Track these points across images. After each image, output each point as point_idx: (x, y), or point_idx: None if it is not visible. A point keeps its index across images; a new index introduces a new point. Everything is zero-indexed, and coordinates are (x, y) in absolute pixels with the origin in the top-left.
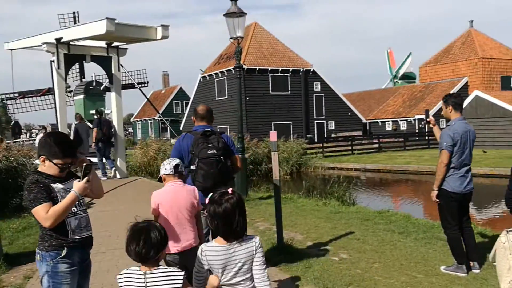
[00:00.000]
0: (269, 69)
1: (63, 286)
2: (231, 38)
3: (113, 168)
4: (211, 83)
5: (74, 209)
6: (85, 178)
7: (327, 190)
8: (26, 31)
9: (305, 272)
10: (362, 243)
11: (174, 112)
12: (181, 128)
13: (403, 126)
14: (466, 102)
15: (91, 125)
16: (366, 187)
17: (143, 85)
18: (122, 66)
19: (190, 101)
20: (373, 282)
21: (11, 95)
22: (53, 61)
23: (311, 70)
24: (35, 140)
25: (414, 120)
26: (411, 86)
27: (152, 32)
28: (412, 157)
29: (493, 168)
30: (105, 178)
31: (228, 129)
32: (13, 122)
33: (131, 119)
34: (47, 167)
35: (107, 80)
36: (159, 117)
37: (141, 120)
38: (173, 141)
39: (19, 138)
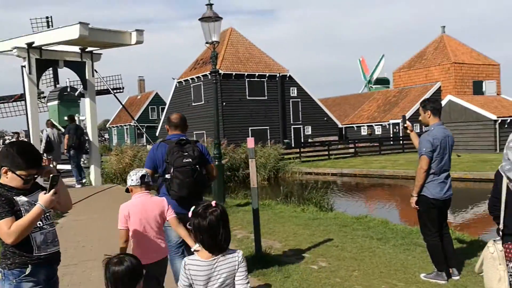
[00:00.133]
0: (246, 74)
1: None
2: (206, 42)
3: (83, 180)
4: (187, 89)
5: (39, 224)
6: (52, 190)
7: (305, 196)
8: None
9: (284, 282)
10: (341, 250)
11: (150, 118)
12: (157, 134)
13: (378, 130)
14: None
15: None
16: (343, 192)
17: (118, 90)
18: (97, 72)
19: (166, 107)
20: None
21: None
22: (24, 66)
23: (288, 75)
24: None
25: (389, 124)
26: (385, 91)
27: (127, 37)
28: (387, 162)
29: (467, 172)
30: (79, 186)
31: (205, 135)
32: None
33: (107, 125)
34: (10, 179)
35: (82, 86)
36: (135, 123)
37: (116, 126)
38: (149, 147)
39: None
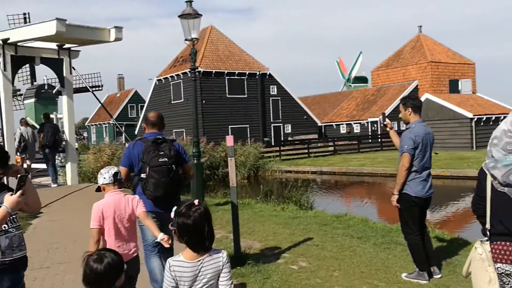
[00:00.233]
0: (226, 72)
1: None
2: (186, 39)
3: (54, 181)
4: (167, 86)
5: (5, 227)
6: (19, 191)
7: (285, 195)
8: None
9: (264, 283)
10: (321, 250)
11: (129, 116)
12: (136, 132)
13: (356, 129)
14: None
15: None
16: (323, 190)
17: (97, 88)
18: (74, 69)
19: (146, 105)
20: None
21: None
22: None
23: (268, 73)
24: None
25: (367, 123)
26: (364, 89)
27: (105, 34)
28: (366, 159)
29: (444, 169)
30: (55, 185)
31: (184, 133)
32: None
33: (86, 124)
34: None
35: (59, 83)
36: (113, 121)
37: (95, 125)
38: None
39: None
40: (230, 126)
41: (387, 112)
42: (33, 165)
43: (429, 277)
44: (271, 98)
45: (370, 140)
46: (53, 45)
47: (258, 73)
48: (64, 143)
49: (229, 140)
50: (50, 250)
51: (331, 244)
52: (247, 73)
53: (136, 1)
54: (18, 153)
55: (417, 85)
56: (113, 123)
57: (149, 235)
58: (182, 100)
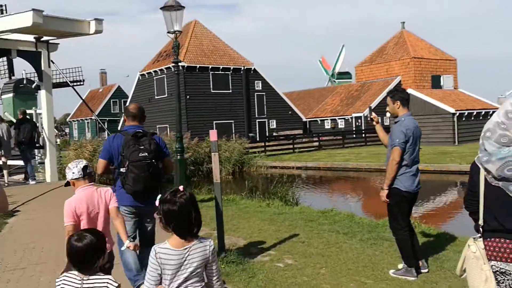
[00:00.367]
0: (210, 67)
1: None
2: (168, 32)
3: (33, 178)
4: (150, 81)
5: None
6: None
7: (270, 190)
8: None
9: (249, 283)
10: (307, 246)
11: (112, 112)
12: (119, 128)
13: (341, 124)
14: None
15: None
16: (308, 185)
17: (78, 83)
18: (53, 63)
19: (129, 100)
20: None
21: None
22: None
23: (252, 68)
24: None
25: (351, 118)
26: (348, 85)
27: (85, 26)
28: (351, 155)
29: (428, 164)
30: (33, 182)
31: (168, 129)
32: None
33: (67, 119)
34: None
35: (37, 77)
36: (95, 117)
37: (77, 120)
38: None
39: None
40: (214, 122)
41: (368, 110)
42: (10, 162)
43: (417, 273)
44: (256, 93)
45: (354, 136)
46: (30, 38)
47: (242, 68)
48: (41, 139)
49: (213, 134)
50: (27, 250)
51: (317, 241)
52: (231, 68)
53: None
54: None
55: (400, 81)
56: (95, 119)
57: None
58: (166, 95)
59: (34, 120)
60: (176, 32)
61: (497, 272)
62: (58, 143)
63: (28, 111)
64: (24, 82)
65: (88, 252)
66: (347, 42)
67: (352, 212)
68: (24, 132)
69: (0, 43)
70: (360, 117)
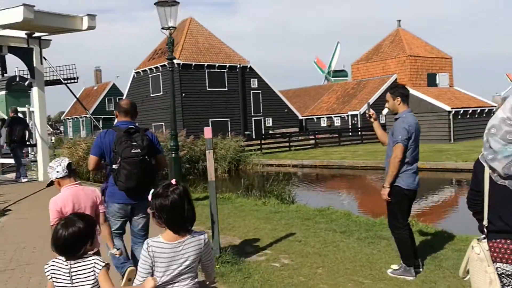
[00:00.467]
0: (206, 65)
1: None
2: (162, 28)
3: (24, 175)
4: (146, 79)
5: None
6: None
7: (266, 188)
8: None
9: (244, 283)
10: (304, 246)
11: (107, 109)
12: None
13: (337, 122)
14: None
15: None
16: (304, 183)
17: (72, 81)
18: (46, 59)
19: (124, 98)
20: None
21: None
22: None
23: (248, 66)
24: None
25: (347, 116)
26: (344, 83)
27: (77, 22)
28: (347, 152)
29: (424, 162)
30: (25, 180)
31: (164, 127)
32: None
33: (62, 117)
34: None
35: (29, 74)
36: (89, 115)
37: (72, 118)
38: None
39: None
40: (210, 120)
41: (366, 106)
42: (1, 160)
43: (415, 273)
44: (252, 91)
45: (350, 133)
46: (22, 34)
47: (238, 66)
48: (32, 137)
49: (207, 132)
50: (17, 250)
51: (314, 240)
52: (227, 66)
53: None
54: None
55: (396, 79)
56: (89, 117)
57: (115, 224)
58: (161, 93)
59: (27, 118)
60: (171, 28)
61: (503, 275)
62: (53, 141)
63: (21, 109)
64: (17, 79)
65: (72, 240)
66: (345, 40)
67: (349, 210)
68: (16, 131)
69: None
70: (356, 115)
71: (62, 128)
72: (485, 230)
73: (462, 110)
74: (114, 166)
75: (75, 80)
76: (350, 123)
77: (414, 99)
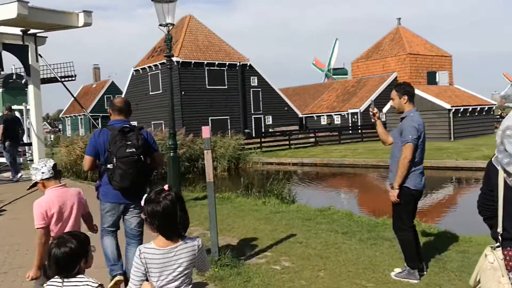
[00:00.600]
0: (205, 63)
1: None
2: (160, 25)
3: (19, 175)
4: (145, 77)
5: None
6: None
7: (266, 188)
8: None
9: (244, 287)
10: (305, 247)
11: (106, 107)
12: None
13: (337, 120)
14: None
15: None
16: (304, 182)
17: (69, 78)
18: (41, 57)
19: (123, 96)
20: None
21: None
22: None
23: (248, 64)
24: None
25: (348, 114)
26: (344, 81)
27: (73, 19)
28: (347, 151)
29: (424, 160)
30: (20, 174)
31: (163, 125)
32: None
33: (60, 115)
34: None
35: (25, 71)
36: (87, 114)
37: (70, 116)
38: None
39: None
40: (210, 118)
41: (367, 103)
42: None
43: (419, 275)
44: (251, 89)
45: (350, 132)
46: (17, 30)
47: (238, 64)
48: (23, 135)
49: (205, 131)
50: (10, 252)
51: (315, 241)
52: (227, 64)
53: None
54: None
55: (396, 77)
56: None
57: (108, 221)
58: (161, 91)
59: (24, 116)
60: (169, 25)
61: None
62: (52, 139)
63: (18, 107)
64: (14, 77)
65: (65, 259)
66: (345, 39)
67: (350, 210)
68: (9, 129)
69: None
70: (356, 113)
71: (60, 126)
72: (499, 237)
73: (462, 108)
74: (109, 166)
75: (73, 78)
76: (350, 121)
77: (414, 98)
